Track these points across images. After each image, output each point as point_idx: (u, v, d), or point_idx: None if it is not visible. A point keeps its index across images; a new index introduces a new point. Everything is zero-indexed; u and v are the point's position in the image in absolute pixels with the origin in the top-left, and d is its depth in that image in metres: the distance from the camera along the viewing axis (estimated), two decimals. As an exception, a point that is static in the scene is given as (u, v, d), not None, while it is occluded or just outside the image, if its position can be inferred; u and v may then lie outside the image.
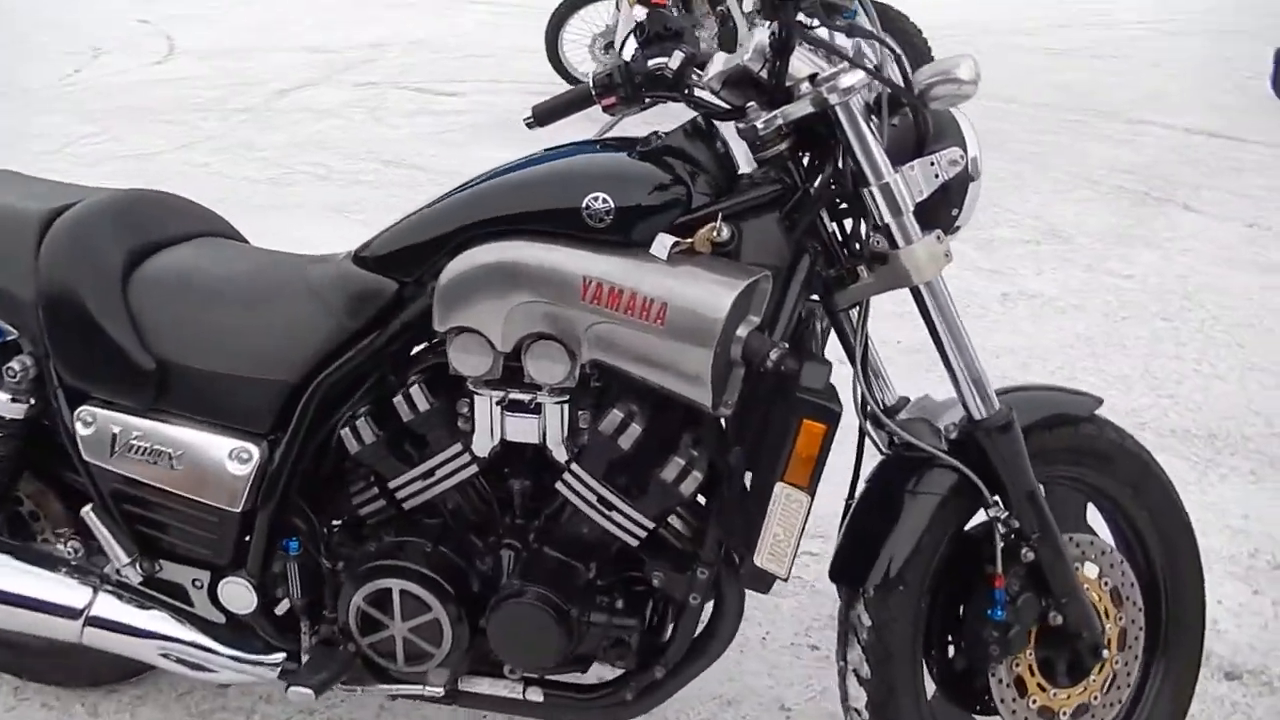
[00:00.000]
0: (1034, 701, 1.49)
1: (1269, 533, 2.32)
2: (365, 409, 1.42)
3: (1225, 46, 6.77)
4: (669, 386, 1.27)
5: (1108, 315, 3.30)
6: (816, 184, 1.31)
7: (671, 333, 1.24)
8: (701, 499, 1.41)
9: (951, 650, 1.52)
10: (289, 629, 1.52)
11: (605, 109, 1.38)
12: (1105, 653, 1.50)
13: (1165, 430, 2.68)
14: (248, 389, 1.43)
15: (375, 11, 8.24)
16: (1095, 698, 1.53)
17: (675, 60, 1.33)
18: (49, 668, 1.78)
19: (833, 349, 1.42)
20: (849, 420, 1.34)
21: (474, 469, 1.42)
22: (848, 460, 1.45)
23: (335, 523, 1.53)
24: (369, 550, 1.46)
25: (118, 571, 1.53)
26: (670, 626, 1.45)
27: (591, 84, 1.36)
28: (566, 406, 1.36)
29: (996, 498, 1.40)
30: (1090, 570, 1.53)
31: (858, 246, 1.38)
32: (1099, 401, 1.55)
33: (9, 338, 1.55)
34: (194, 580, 1.52)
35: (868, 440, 1.48)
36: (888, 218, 1.29)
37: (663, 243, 1.25)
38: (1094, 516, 1.59)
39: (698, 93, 1.36)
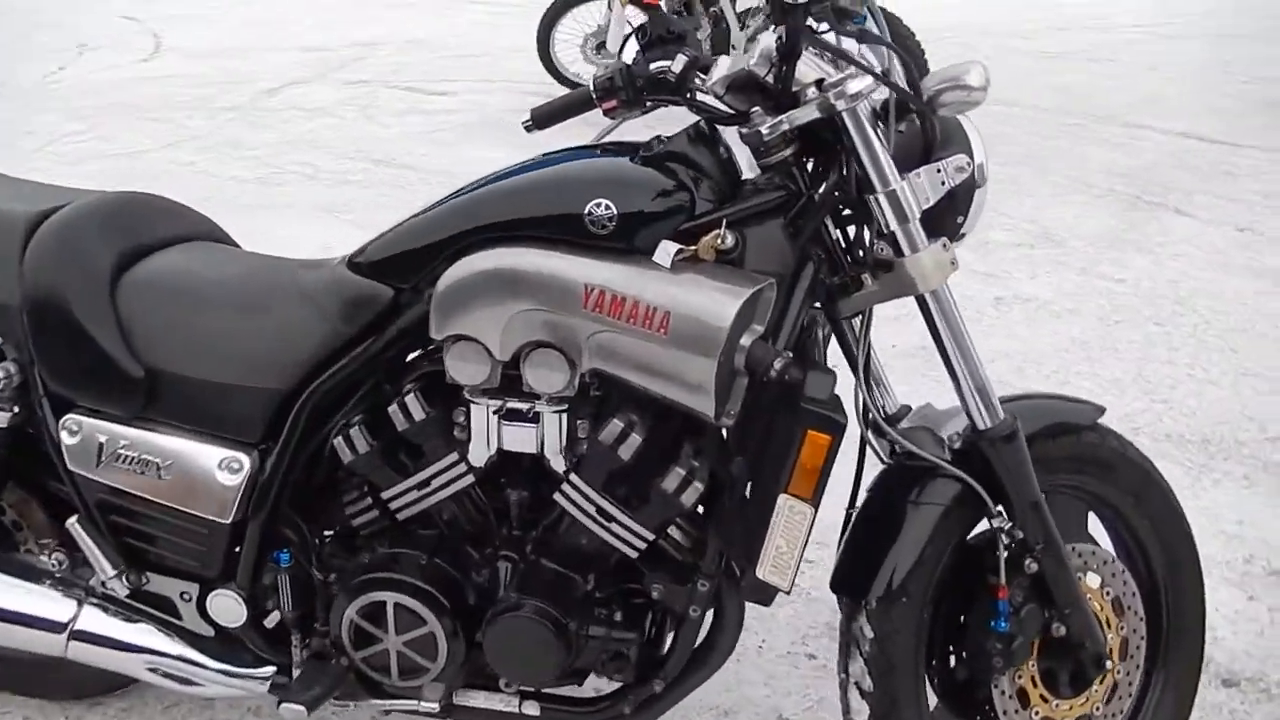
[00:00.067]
0: (1036, 713, 1.48)
1: (1263, 538, 2.32)
2: (359, 417, 1.39)
3: (1223, 50, 6.79)
4: (671, 396, 1.25)
5: (1101, 319, 3.30)
6: (821, 190, 1.29)
7: (674, 342, 1.21)
8: (700, 509, 1.39)
9: (953, 661, 1.51)
10: (280, 642, 1.49)
11: (606, 112, 1.36)
12: (1108, 663, 1.49)
13: (1160, 435, 2.68)
14: (238, 397, 1.39)
15: (366, 10, 8.18)
16: (1097, 708, 1.52)
17: (678, 64, 1.31)
18: (32, 680, 1.74)
19: (831, 354, 1.41)
20: (850, 428, 1.32)
21: (470, 479, 1.39)
22: (848, 469, 1.43)
23: (327, 533, 1.50)
24: (362, 562, 1.43)
25: (103, 584, 1.49)
26: (669, 639, 1.43)
27: (592, 87, 1.33)
28: (565, 416, 1.33)
29: (1000, 508, 1.39)
30: (1092, 580, 1.52)
31: (861, 253, 1.36)
32: (1101, 410, 1.54)
33: (-8, 343, 1.52)
34: (182, 593, 1.49)
35: (869, 449, 1.46)
36: (894, 225, 1.28)
37: (666, 250, 1.23)
38: (1094, 525, 1.58)
39: (700, 97, 1.34)
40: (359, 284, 1.38)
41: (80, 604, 1.49)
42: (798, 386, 1.25)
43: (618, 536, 1.35)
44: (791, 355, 1.25)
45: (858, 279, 1.34)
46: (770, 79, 1.27)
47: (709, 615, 1.42)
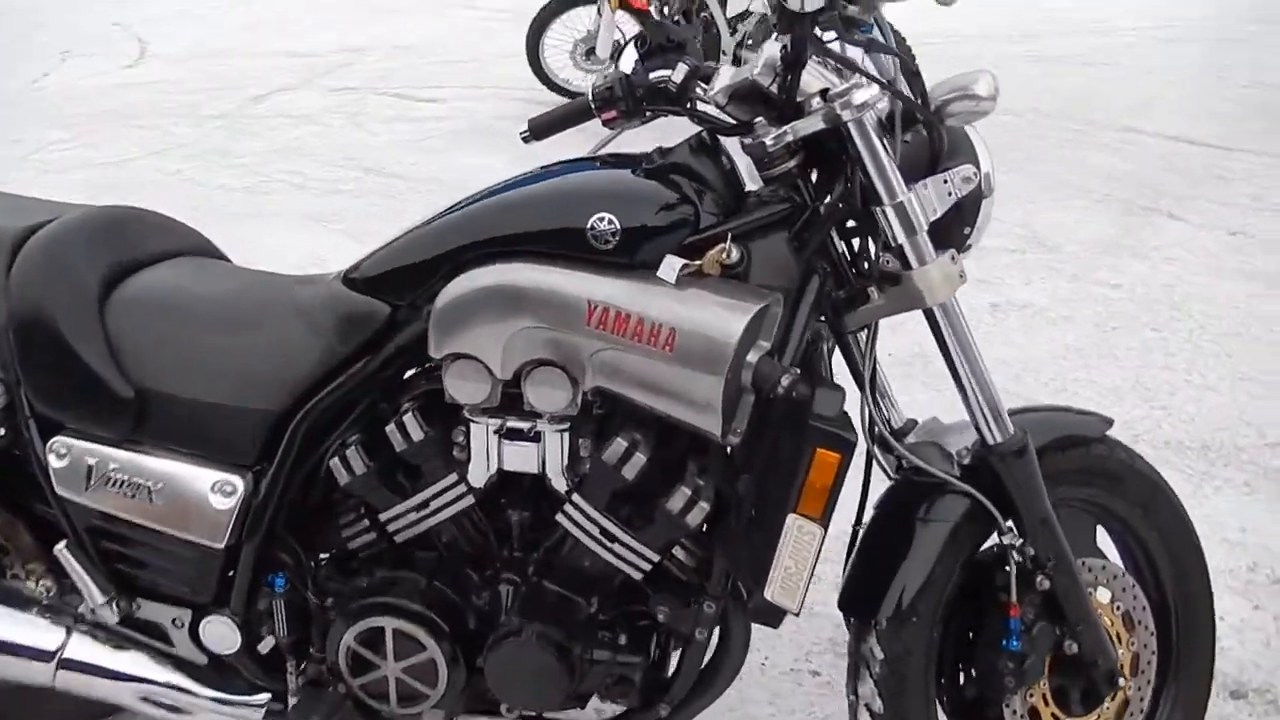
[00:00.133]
0: (1048, 732, 1.46)
1: (1266, 545, 2.30)
2: (355, 438, 1.36)
3: (1218, 55, 6.80)
4: (677, 415, 1.22)
5: (1098, 325, 3.29)
6: (827, 203, 1.27)
7: (680, 359, 1.19)
8: (705, 529, 1.36)
9: (962, 679, 1.48)
10: (275, 669, 1.45)
11: (605, 123, 1.33)
12: (1120, 680, 1.46)
13: (1160, 442, 2.66)
14: (232, 418, 1.36)
15: (354, 15, 8.14)
16: (1109, 726, 1.50)
17: (679, 73, 1.28)
18: (18, 710, 1.69)
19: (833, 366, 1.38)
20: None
21: (470, 500, 1.36)
22: (854, 485, 1.41)
23: (323, 556, 1.46)
24: (360, 586, 1.40)
25: (93, 611, 1.45)
26: (674, 662, 1.40)
27: (590, 97, 1.31)
28: (567, 434, 1.30)
29: (1010, 524, 1.36)
30: (1102, 595, 1.50)
31: (866, 266, 1.34)
32: (1109, 422, 1.52)
33: (-24, 364, 1.48)
34: (174, 619, 1.45)
35: (875, 464, 1.44)
36: (901, 238, 1.25)
37: (671, 265, 1.20)
38: (1101, 538, 1.56)
39: (701, 107, 1.31)
40: (355, 300, 1.35)
41: (69, 631, 1.45)
42: (805, 403, 1.22)
43: (621, 558, 1.32)
44: (799, 371, 1.22)
45: (864, 292, 1.31)
46: (774, 89, 1.24)
47: (714, 637, 1.39)
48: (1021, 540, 1.36)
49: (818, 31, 1.18)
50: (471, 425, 1.32)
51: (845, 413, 1.25)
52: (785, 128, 1.23)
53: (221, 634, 1.41)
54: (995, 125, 1.29)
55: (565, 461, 1.31)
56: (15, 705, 1.68)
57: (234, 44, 7.24)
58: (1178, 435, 2.71)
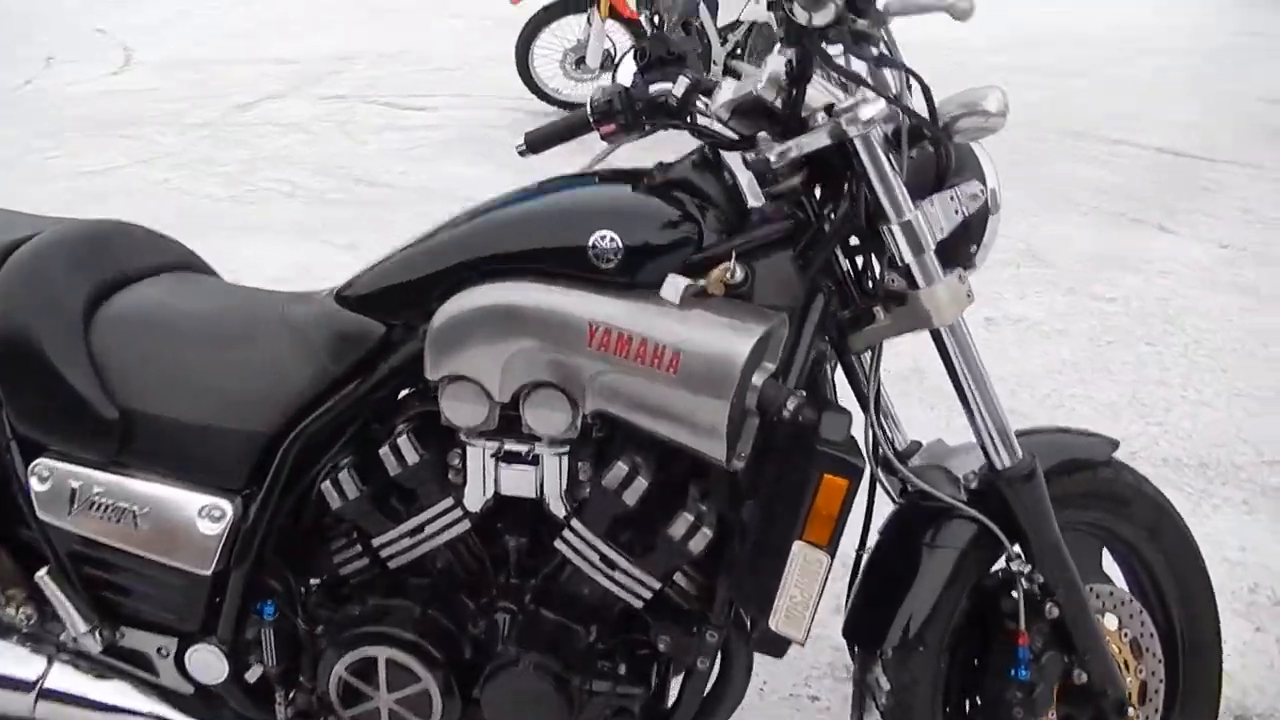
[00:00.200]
0: (1055, 761, 1.42)
1: (1266, 565, 2.29)
2: (348, 460, 1.32)
3: (1200, 65, 6.85)
4: (680, 439, 1.19)
5: (1092, 340, 3.28)
6: (833, 220, 1.24)
7: (684, 382, 1.15)
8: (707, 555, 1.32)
9: (968, 707, 1.45)
10: (263, 699, 1.40)
11: (603, 136, 1.30)
12: (1129, 710, 1.44)
13: (1157, 460, 2.65)
14: (220, 440, 1.32)
15: (341, 23, 8.10)
16: (1116, 755, 1.47)
17: (679, 86, 1.25)
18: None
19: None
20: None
21: (466, 525, 1.32)
22: (857, 508, 1.37)
23: (313, 582, 1.42)
24: (352, 614, 1.35)
25: (74, 640, 1.40)
26: (674, 691, 1.37)
27: (589, 110, 1.27)
28: (566, 458, 1.27)
29: (1018, 550, 1.34)
30: (1110, 621, 1.47)
31: (871, 285, 1.31)
32: (1115, 444, 1.50)
33: (-46, 383, 1.43)
34: (159, 648, 1.40)
35: (879, 487, 1.41)
36: (908, 257, 1.22)
37: (674, 284, 1.16)
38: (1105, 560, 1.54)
39: (703, 121, 1.28)
40: (348, 319, 1.31)
41: (50, 661, 1.40)
42: (812, 427, 1.19)
43: (622, 585, 1.29)
44: (804, 394, 1.19)
45: (869, 312, 1.28)
46: (778, 103, 1.21)
47: (715, 665, 1.35)
48: (1030, 567, 1.33)
49: (825, 45, 1.15)
50: (468, 448, 1.28)
51: (852, 437, 1.22)
52: (789, 143, 1.20)
53: (208, 663, 1.37)
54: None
55: (564, 486, 1.27)
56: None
57: (220, 51, 7.19)
58: (1175, 452, 2.70)
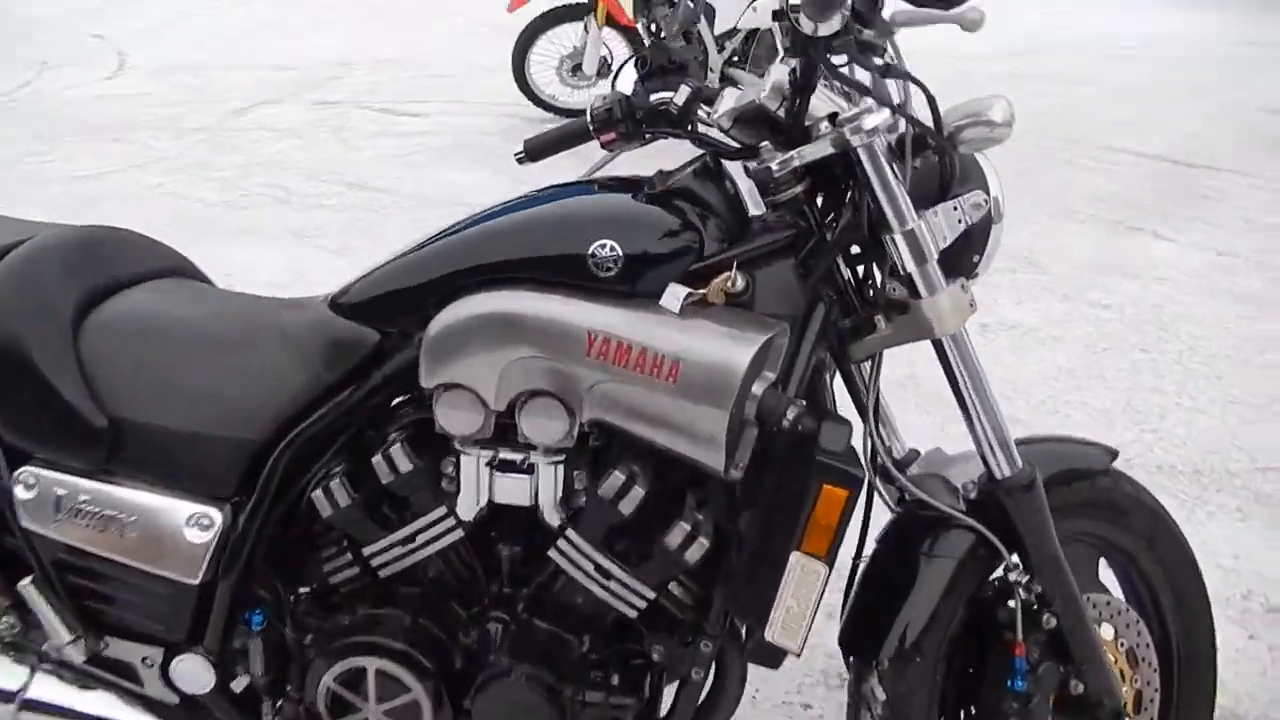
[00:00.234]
0: (1052, 772, 1.41)
1: (1260, 572, 2.28)
2: (339, 468, 1.31)
3: (1197, 73, 6.86)
4: (678, 449, 1.17)
5: (1088, 347, 3.28)
6: (836, 230, 1.23)
7: (684, 392, 1.14)
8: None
9: (964, 717, 1.44)
10: (250, 710, 1.39)
11: (603, 145, 1.29)
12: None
13: (1152, 467, 2.64)
14: (210, 448, 1.30)
15: (337, 29, 8.09)
16: (1112, 765, 1.46)
17: (681, 95, 1.24)
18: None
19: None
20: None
21: (458, 534, 1.30)
22: (854, 516, 1.36)
23: (302, 590, 1.40)
24: (341, 624, 1.34)
25: (58, 650, 1.38)
26: (668, 701, 1.35)
27: (589, 118, 1.27)
28: (562, 467, 1.25)
29: (1016, 560, 1.32)
30: (1106, 631, 1.46)
31: (872, 294, 1.29)
32: (1114, 454, 1.49)
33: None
34: (144, 658, 1.38)
35: (876, 496, 1.39)
36: (911, 266, 1.21)
37: (674, 294, 1.15)
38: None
39: (704, 130, 1.27)
40: (342, 327, 1.30)
41: (32, 671, 1.38)
42: (811, 437, 1.18)
43: (616, 595, 1.27)
44: (804, 403, 1.18)
45: (870, 321, 1.27)
46: (781, 113, 1.20)
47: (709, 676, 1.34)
48: (1028, 577, 1.32)
49: (829, 55, 1.14)
50: (462, 456, 1.27)
51: (852, 447, 1.21)
52: (792, 153, 1.19)
53: (195, 673, 1.35)
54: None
55: (559, 495, 1.26)
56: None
57: (214, 57, 7.17)
58: (1169, 459, 2.69)
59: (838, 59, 1.15)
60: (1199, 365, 3.18)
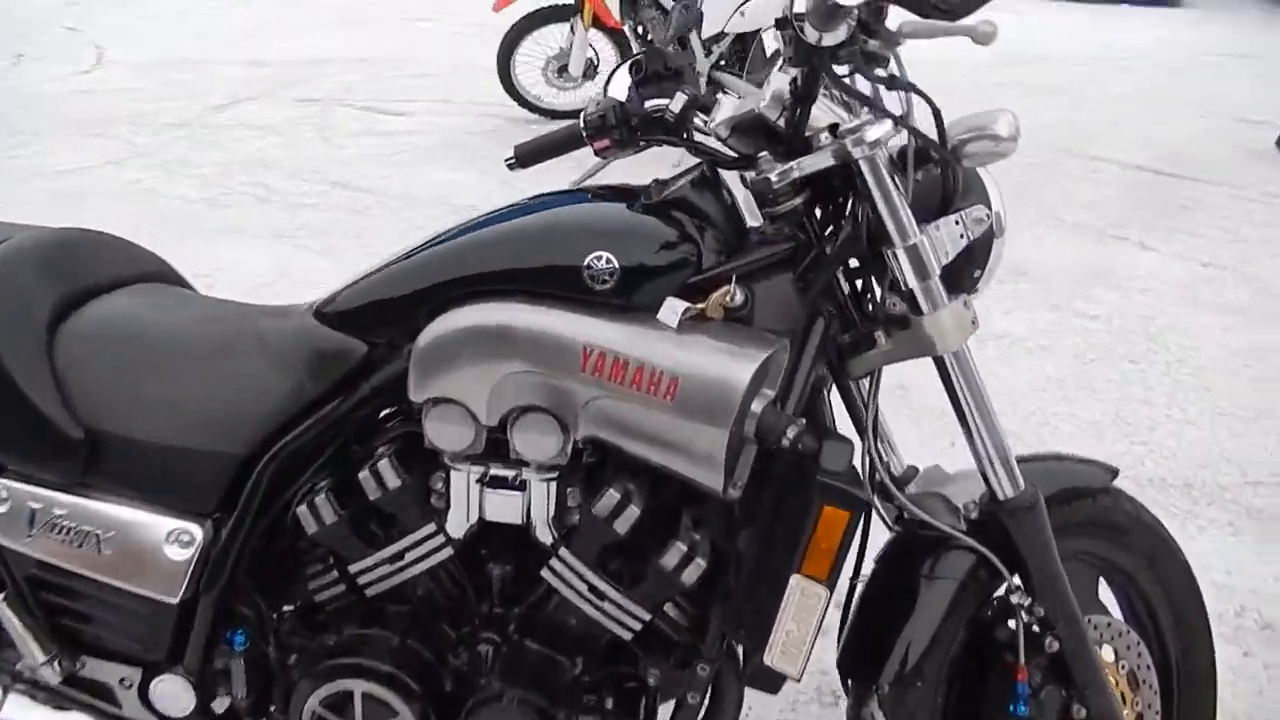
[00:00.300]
0: (1052, 797, 1.39)
1: (1253, 588, 2.27)
2: (325, 483, 1.27)
3: (1177, 84, 6.90)
4: (675, 468, 1.14)
5: (1076, 357, 3.27)
6: (836, 243, 1.20)
7: (682, 410, 1.11)
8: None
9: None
10: (231, 732, 1.34)
11: (597, 152, 1.26)
12: (1126, 743, 1.41)
13: (1143, 480, 2.63)
14: (191, 462, 1.25)
15: (319, 25, 8.00)
16: (1112, 790, 1.44)
17: (677, 103, 1.21)
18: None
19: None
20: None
21: (448, 551, 1.26)
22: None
23: (286, 608, 1.36)
24: (326, 644, 1.30)
25: (32, 670, 1.33)
26: (663, 724, 1.32)
27: (583, 125, 1.23)
28: (555, 484, 1.22)
29: (1018, 582, 1.30)
30: (1107, 653, 1.44)
31: (871, 308, 1.27)
32: (1114, 472, 1.47)
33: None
34: (122, 679, 1.34)
35: (874, 514, 1.37)
36: (913, 282, 1.19)
37: (672, 308, 1.12)
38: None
39: (700, 138, 1.24)
40: (327, 337, 1.26)
41: (5, 691, 1.34)
42: (812, 456, 1.15)
43: (610, 616, 1.24)
44: (804, 422, 1.15)
45: (870, 337, 1.24)
46: (781, 123, 1.17)
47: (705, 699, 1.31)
48: (1030, 600, 1.30)
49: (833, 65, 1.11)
50: (452, 472, 1.23)
51: (854, 467, 1.18)
52: (792, 163, 1.16)
53: (174, 694, 1.31)
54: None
55: (552, 512, 1.23)
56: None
57: (193, 52, 7.07)
58: (1160, 472, 2.69)
59: (840, 69, 1.12)
60: (1187, 376, 3.18)
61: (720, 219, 1.20)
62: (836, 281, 1.24)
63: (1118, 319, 3.54)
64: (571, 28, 5.41)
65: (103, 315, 1.35)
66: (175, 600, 1.26)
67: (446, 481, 1.24)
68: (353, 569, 1.29)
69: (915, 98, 1.19)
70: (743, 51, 4.93)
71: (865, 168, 1.14)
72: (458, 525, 1.24)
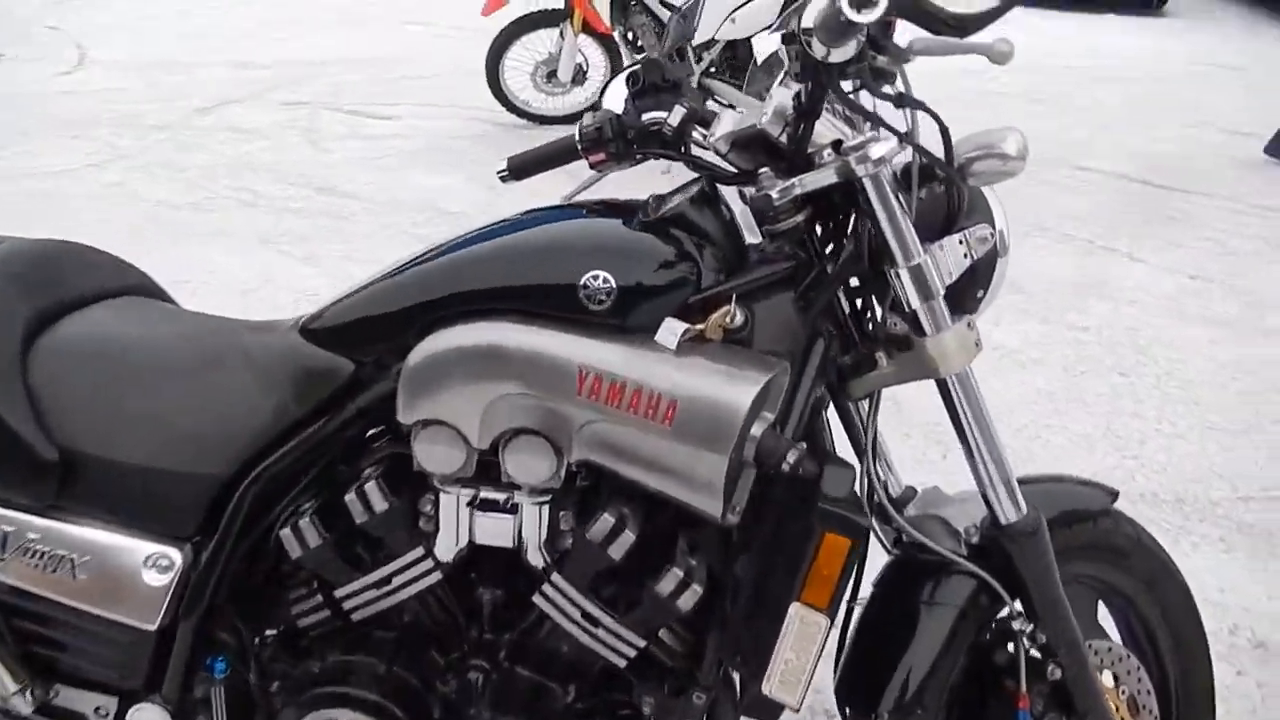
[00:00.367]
0: (1052, 826, 1.36)
1: (1246, 606, 2.26)
2: (309, 506, 1.23)
3: (1157, 94, 6.92)
4: (672, 493, 1.11)
5: (1066, 370, 3.26)
6: (838, 262, 1.17)
7: (680, 435, 1.08)
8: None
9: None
10: (211, 763, 1.30)
11: (592, 165, 1.23)
12: (1127, 771, 1.38)
13: (1135, 495, 2.62)
14: (170, 484, 1.21)
15: (303, 28, 7.94)
16: (1112, 817, 1.41)
17: (675, 116, 1.18)
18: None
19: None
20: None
21: (437, 576, 1.23)
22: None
23: (269, 633, 1.31)
24: (310, 671, 1.26)
25: (4, 700, 1.28)
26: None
27: (578, 137, 1.20)
28: (547, 507, 1.18)
29: (1020, 608, 1.28)
30: (1107, 679, 1.42)
31: (871, 328, 1.24)
32: (1114, 494, 1.46)
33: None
34: (98, 708, 1.29)
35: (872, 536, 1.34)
36: (916, 303, 1.16)
37: (671, 329, 1.09)
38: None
39: (698, 152, 1.21)
40: (313, 355, 1.22)
41: (-26, 721, 1.29)
42: (813, 481, 1.12)
43: (604, 643, 1.20)
44: (805, 446, 1.12)
45: (871, 358, 1.22)
46: (783, 138, 1.14)
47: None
48: (1031, 626, 1.27)
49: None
50: (441, 494, 1.19)
51: (855, 494, 1.15)
52: (793, 180, 1.13)
53: (152, 724, 1.26)
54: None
55: (544, 536, 1.19)
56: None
57: (177, 54, 6.99)
58: (1151, 486, 2.67)
59: (846, 85, 1.10)
60: (1176, 390, 3.17)
61: (720, 236, 1.17)
62: (837, 301, 1.21)
63: (1107, 331, 3.53)
64: (561, 33, 5.38)
65: (80, 330, 1.31)
66: (153, 627, 1.22)
67: (435, 504, 1.20)
68: (338, 593, 1.25)
69: (918, 113, 1.16)
70: (733, 59, 4.91)
71: (869, 186, 1.12)
72: (447, 549, 1.21)
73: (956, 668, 1.29)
